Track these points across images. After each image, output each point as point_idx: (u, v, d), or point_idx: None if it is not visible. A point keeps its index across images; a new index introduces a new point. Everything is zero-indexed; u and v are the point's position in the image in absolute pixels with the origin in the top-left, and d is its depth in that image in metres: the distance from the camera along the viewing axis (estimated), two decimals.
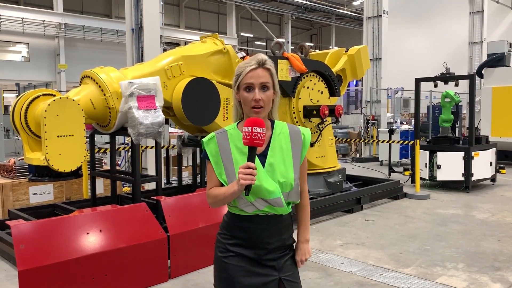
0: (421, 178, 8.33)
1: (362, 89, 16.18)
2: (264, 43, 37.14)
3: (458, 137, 9.07)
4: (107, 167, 6.96)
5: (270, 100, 1.94)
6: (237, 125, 2.01)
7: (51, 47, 23.51)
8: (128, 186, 7.65)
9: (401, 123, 14.71)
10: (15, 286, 3.90)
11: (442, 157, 8.32)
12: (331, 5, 32.29)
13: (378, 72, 13.75)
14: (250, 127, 1.78)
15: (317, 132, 6.78)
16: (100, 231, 3.84)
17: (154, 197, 5.03)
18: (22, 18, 21.67)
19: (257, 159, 1.90)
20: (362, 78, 11.78)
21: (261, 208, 1.92)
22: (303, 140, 2.02)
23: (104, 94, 4.75)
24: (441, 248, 5.12)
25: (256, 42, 37.88)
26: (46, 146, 4.22)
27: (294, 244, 2.12)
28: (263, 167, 1.92)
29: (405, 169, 9.32)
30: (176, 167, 6.77)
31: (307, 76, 6.76)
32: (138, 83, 4.76)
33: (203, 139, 2.00)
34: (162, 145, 5.37)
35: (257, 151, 1.88)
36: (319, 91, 6.92)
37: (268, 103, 1.93)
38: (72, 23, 23.38)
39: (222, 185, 1.95)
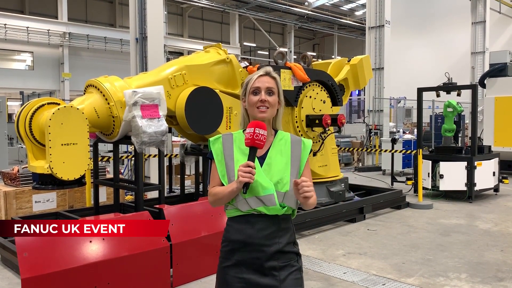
0: (423, 188, 8.31)
1: (364, 98, 16.22)
2: (267, 53, 37.34)
3: (461, 147, 9.06)
4: (110, 175, 6.98)
5: (275, 104, 2.07)
6: (243, 131, 2.11)
7: (55, 56, 23.67)
8: (131, 195, 7.66)
9: (404, 132, 14.69)
10: None
11: (444, 167, 8.32)
12: (333, 15, 32.46)
13: (381, 81, 13.77)
14: (253, 128, 1.91)
15: (319, 141, 6.79)
16: (103, 239, 3.85)
17: (157, 206, 5.04)
18: (27, 27, 21.86)
19: (256, 160, 1.98)
20: (364, 87, 11.83)
21: (254, 207, 1.97)
22: (303, 145, 2.09)
23: (108, 103, 4.79)
24: (444, 258, 5.10)
25: (259, 52, 38.09)
26: (50, 154, 4.25)
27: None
28: (261, 166, 2.01)
29: (408, 179, 9.30)
30: (179, 176, 6.79)
31: (309, 85, 6.79)
32: (142, 92, 4.80)
33: (210, 139, 2.11)
34: (165, 153, 5.39)
35: (257, 154, 1.98)
36: (321, 100, 6.95)
37: (273, 106, 2.05)
38: (76, 32, 23.57)
39: (223, 185, 2.04)
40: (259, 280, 1.97)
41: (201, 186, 6.50)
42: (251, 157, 1.92)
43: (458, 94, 8.93)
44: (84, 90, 5.11)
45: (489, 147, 9.28)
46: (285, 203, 2.00)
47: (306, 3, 31.11)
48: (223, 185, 2.03)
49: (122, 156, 8.31)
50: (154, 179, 7.88)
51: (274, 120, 2.10)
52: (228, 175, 2.02)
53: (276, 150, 2.05)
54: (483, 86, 12.56)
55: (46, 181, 4.55)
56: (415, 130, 12.60)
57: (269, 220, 1.99)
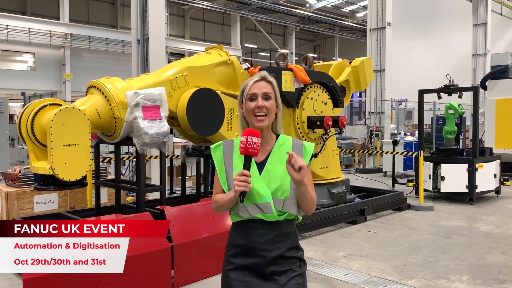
0: (425, 190, 8.30)
1: (365, 100, 16.20)
2: (268, 54, 37.35)
3: (462, 149, 9.05)
4: (111, 176, 6.98)
5: (273, 109, 2.05)
6: None
7: (57, 57, 23.70)
8: (132, 196, 7.67)
9: (405, 134, 14.68)
10: None
11: (446, 169, 8.31)
12: (335, 16, 32.49)
13: (382, 83, 13.77)
14: (246, 137, 1.91)
15: (320, 143, 6.80)
16: None
17: (158, 207, 5.04)
18: (29, 28, 21.90)
19: (254, 166, 1.98)
20: (365, 89, 11.83)
21: (253, 214, 1.98)
22: (304, 150, 2.07)
23: (110, 104, 4.79)
24: (445, 260, 5.10)
25: (260, 53, 38.10)
26: (52, 155, 4.25)
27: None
28: (260, 174, 2.01)
29: (409, 181, 9.30)
30: (180, 177, 6.79)
31: (311, 87, 6.79)
32: (143, 93, 4.80)
33: (211, 146, 2.12)
34: (166, 155, 5.40)
35: (257, 160, 2.00)
36: (322, 102, 6.95)
37: (271, 112, 2.03)
38: (78, 33, 23.60)
39: (224, 192, 2.06)
40: (261, 285, 1.98)
41: (202, 187, 6.51)
42: (246, 166, 1.92)
43: (460, 96, 8.92)
44: (86, 91, 5.12)
45: (491, 149, 9.27)
46: (285, 210, 1.99)
47: (307, 5, 31.15)
48: (224, 192, 2.05)
49: (123, 157, 8.32)
50: (155, 180, 7.88)
51: (274, 124, 2.09)
52: (228, 182, 2.03)
53: (276, 156, 2.04)
54: (485, 88, 12.56)
55: (48, 182, 4.55)
56: (416, 132, 12.60)
57: (270, 225, 2.00)
